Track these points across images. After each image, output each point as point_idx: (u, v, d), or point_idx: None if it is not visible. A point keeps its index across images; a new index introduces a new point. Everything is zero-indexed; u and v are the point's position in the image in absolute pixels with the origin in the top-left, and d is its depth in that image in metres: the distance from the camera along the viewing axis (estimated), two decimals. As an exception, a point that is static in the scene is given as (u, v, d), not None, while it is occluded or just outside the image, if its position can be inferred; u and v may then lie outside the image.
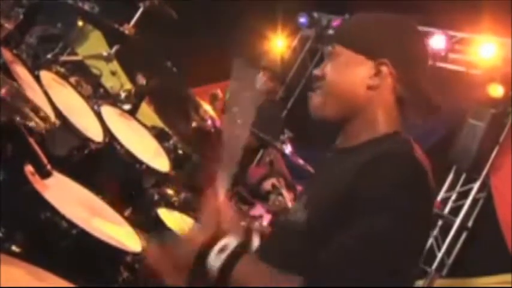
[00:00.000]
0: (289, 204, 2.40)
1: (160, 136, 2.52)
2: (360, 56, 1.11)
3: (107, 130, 2.04)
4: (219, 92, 3.36)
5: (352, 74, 1.10)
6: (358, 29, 1.18)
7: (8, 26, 1.69)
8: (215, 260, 0.96)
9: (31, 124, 1.13)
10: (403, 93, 1.10)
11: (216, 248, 0.97)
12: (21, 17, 1.75)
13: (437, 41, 4.69)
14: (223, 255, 0.96)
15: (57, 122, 1.56)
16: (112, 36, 2.76)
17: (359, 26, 1.19)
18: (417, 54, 1.15)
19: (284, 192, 2.42)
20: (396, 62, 1.09)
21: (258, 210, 2.63)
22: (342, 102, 1.11)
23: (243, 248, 0.98)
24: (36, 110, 1.18)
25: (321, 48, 5.95)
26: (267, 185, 2.76)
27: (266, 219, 2.34)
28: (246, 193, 2.72)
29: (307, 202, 1.12)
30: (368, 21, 1.20)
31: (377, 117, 1.10)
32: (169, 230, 1.89)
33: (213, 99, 3.13)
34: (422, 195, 1.00)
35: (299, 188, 3.27)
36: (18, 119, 1.07)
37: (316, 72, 1.17)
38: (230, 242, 0.98)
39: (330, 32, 1.34)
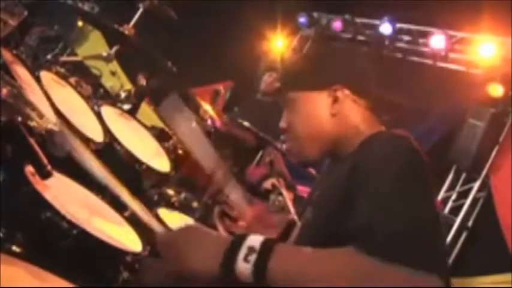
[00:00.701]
0: (289, 204, 2.40)
1: (160, 136, 2.52)
2: (312, 93, 1.18)
3: (107, 130, 2.04)
4: (222, 88, 3.37)
5: (313, 112, 1.18)
6: (297, 69, 1.24)
7: (12, 22, 1.69)
8: (244, 265, 0.89)
9: (32, 124, 1.14)
10: (366, 103, 1.19)
11: (242, 252, 0.91)
12: (26, 13, 1.74)
13: (437, 41, 4.69)
14: (252, 257, 0.89)
15: (58, 123, 1.56)
16: (112, 37, 2.76)
17: (300, 66, 1.25)
18: (357, 67, 1.22)
19: (284, 192, 2.42)
20: (345, 82, 1.17)
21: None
22: (316, 140, 1.18)
23: (269, 243, 0.91)
24: (36, 110, 1.19)
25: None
26: (267, 184, 2.77)
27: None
28: (246, 191, 2.72)
29: (314, 201, 1.20)
30: (302, 59, 1.31)
31: (356, 129, 1.17)
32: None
33: (215, 95, 3.13)
34: (420, 172, 1.00)
35: (299, 188, 3.27)
36: (19, 119, 1.07)
37: (281, 125, 1.24)
38: (254, 242, 0.92)
39: (277, 85, 1.39)
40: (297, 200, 2.65)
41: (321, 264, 0.87)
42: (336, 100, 1.16)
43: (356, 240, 0.88)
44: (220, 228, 2.23)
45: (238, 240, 0.93)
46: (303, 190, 3.39)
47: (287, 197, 2.44)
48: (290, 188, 2.63)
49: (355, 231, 0.90)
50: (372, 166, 0.99)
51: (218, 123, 3.17)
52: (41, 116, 1.17)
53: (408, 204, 0.92)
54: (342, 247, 0.89)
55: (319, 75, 1.19)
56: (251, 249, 0.90)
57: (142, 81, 2.72)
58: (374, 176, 0.95)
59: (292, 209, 2.40)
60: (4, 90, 0.99)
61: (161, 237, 1.10)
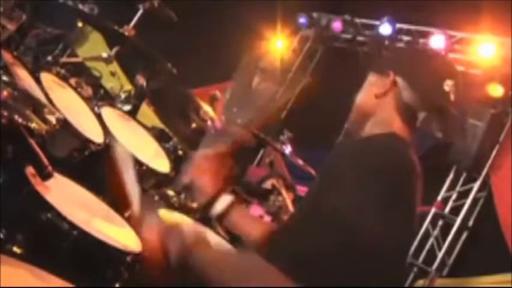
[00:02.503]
0: (289, 204, 2.40)
1: (160, 137, 2.52)
2: (372, 76, 1.31)
3: (107, 131, 2.04)
4: (218, 93, 3.37)
5: (367, 91, 1.31)
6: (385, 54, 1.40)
7: (10, 27, 1.70)
8: (217, 209, 1.30)
9: (32, 126, 1.14)
10: (409, 99, 1.24)
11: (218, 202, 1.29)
12: (24, 18, 1.75)
13: (436, 41, 4.69)
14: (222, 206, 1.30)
15: (58, 124, 1.56)
16: (112, 38, 2.77)
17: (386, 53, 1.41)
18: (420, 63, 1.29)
19: (284, 192, 2.43)
20: (403, 75, 1.25)
21: (255, 210, 2.63)
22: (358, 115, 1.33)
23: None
24: (38, 110, 1.19)
25: (320, 48, 5.97)
26: (267, 185, 2.77)
27: (266, 220, 2.34)
28: (244, 192, 2.73)
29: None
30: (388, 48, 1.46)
31: (378, 119, 1.25)
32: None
33: (212, 100, 3.13)
34: (391, 180, 1.08)
35: (299, 188, 3.28)
36: (19, 120, 1.08)
37: None
38: (227, 197, 1.30)
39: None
40: (297, 200, 2.66)
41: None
42: (389, 84, 1.25)
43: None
44: (218, 229, 2.24)
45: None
46: (303, 190, 3.39)
47: (287, 197, 2.45)
48: (290, 188, 2.64)
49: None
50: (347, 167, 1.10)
51: (218, 124, 3.17)
52: (39, 112, 1.17)
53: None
54: None
55: (383, 62, 1.36)
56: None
57: (142, 82, 2.72)
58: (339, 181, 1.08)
59: (292, 209, 2.41)
60: (5, 92, 1.00)
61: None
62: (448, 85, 1.22)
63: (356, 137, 1.28)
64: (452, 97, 1.23)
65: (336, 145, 1.33)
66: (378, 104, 1.25)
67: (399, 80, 1.24)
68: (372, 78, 1.29)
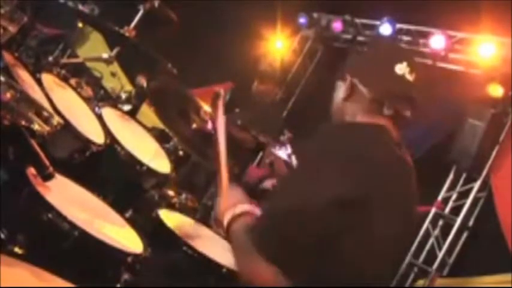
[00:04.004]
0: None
1: (160, 137, 2.53)
2: (339, 81, 1.39)
3: (107, 132, 2.05)
4: (222, 91, 3.37)
5: (335, 96, 1.39)
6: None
7: (12, 29, 1.70)
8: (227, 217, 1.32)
9: (34, 127, 1.15)
10: (369, 94, 1.31)
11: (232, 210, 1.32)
12: (25, 19, 1.76)
13: (437, 41, 4.69)
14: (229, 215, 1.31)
15: (59, 125, 1.56)
16: (112, 38, 2.77)
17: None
18: (368, 59, 1.40)
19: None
20: (354, 73, 1.35)
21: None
22: (334, 117, 1.40)
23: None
24: (39, 112, 1.19)
25: (320, 48, 5.96)
26: (267, 185, 2.77)
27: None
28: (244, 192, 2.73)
29: None
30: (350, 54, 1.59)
31: (353, 116, 1.33)
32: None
33: (215, 98, 3.12)
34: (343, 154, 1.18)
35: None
36: (21, 122, 1.08)
37: None
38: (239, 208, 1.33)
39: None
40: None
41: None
42: (348, 87, 1.33)
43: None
44: (218, 229, 2.24)
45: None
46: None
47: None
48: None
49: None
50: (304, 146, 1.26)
51: (219, 125, 3.16)
52: (41, 113, 1.17)
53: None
54: None
55: (344, 67, 1.39)
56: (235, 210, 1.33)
57: (143, 83, 2.72)
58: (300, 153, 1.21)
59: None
60: (8, 94, 1.00)
61: None
62: (400, 68, 1.29)
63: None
64: (409, 77, 1.30)
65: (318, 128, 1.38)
66: (346, 106, 1.35)
67: (356, 80, 1.32)
68: (338, 84, 1.40)
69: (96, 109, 2.18)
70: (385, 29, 5.00)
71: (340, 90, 1.37)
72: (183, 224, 2.11)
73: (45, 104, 1.69)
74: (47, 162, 1.18)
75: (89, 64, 2.87)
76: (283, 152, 2.84)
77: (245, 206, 1.32)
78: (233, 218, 1.29)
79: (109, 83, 2.95)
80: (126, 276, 1.48)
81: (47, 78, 2.02)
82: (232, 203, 1.34)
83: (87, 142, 1.86)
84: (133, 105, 2.66)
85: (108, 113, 2.24)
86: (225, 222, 1.31)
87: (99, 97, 2.51)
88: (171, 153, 2.42)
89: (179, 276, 1.84)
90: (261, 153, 3.26)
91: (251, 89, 3.59)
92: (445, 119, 4.49)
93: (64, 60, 2.53)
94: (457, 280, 4.15)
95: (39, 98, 1.69)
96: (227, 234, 1.31)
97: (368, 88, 1.30)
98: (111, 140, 2.02)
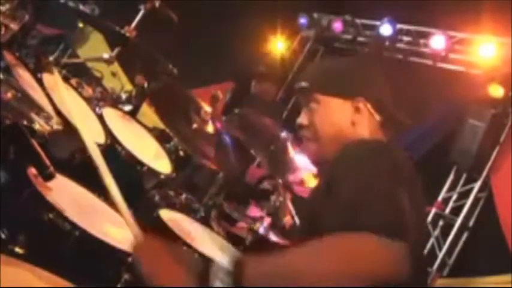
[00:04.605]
0: (290, 205, 2.41)
1: (161, 137, 2.53)
2: (336, 99, 1.28)
3: (108, 132, 2.05)
4: (220, 93, 3.37)
5: (335, 116, 1.28)
6: (329, 75, 1.33)
7: (14, 26, 1.70)
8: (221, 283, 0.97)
9: (35, 127, 1.15)
10: (379, 120, 1.29)
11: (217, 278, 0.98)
12: (27, 17, 1.76)
13: (437, 41, 4.69)
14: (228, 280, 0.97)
15: (60, 125, 1.57)
16: (113, 38, 2.77)
17: (329, 73, 1.34)
18: (381, 85, 1.34)
19: (284, 192, 2.43)
20: (369, 96, 1.28)
21: (253, 211, 2.64)
22: (334, 143, 1.26)
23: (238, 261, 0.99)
24: (40, 112, 1.20)
25: (321, 48, 5.97)
26: (265, 185, 2.77)
27: (266, 222, 2.35)
28: (243, 192, 2.74)
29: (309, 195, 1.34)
30: (335, 66, 1.39)
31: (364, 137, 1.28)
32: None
33: (213, 100, 3.13)
34: (382, 167, 1.09)
35: (299, 188, 3.27)
36: (22, 121, 1.08)
37: (301, 121, 1.32)
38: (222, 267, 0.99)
39: (301, 84, 1.45)
40: (296, 200, 2.66)
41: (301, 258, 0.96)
42: (357, 110, 1.27)
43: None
44: (218, 230, 2.25)
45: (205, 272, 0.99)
46: (303, 190, 3.39)
47: (288, 197, 2.45)
48: (288, 189, 2.64)
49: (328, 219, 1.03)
50: (340, 167, 1.11)
51: (219, 125, 3.17)
52: (47, 117, 1.17)
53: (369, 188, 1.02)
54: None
55: (349, 84, 1.29)
56: (226, 273, 0.98)
57: (143, 83, 2.72)
58: (341, 175, 1.07)
59: (292, 210, 2.41)
60: (9, 94, 1.00)
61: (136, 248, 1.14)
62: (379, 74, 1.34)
63: None
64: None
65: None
66: (354, 131, 1.31)
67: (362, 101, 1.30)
68: (332, 103, 1.32)
69: (97, 109, 2.18)
70: (386, 29, 5.01)
71: (344, 111, 1.28)
72: (183, 224, 2.11)
73: (46, 104, 1.69)
74: (47, 162, 1.18)
75: (89, 64, 2.87)
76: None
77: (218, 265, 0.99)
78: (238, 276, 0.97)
79: (109, 83, 2.95)
80: (126, 276, 1.48)
81: (47, 78, 2.02)
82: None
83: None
84: (134, 105, 2.66)
85: (108, 113, 2.24)
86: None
87: (100, 97, 2.50)
88: (171, 153, 2.42)
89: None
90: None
91: (251, 89, 3.60)
92: (445, 120, 4.49)
93: (65, 60, 2.53)
94: (457, 280, 4.15)
95: (40, 97, 1.69)
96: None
97: (381, 113, 1.29)
98: (112, 140, 2.02)
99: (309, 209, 1.25)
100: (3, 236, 1.24)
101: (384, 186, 1.03)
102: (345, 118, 1.27)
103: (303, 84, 1.33)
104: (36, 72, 1.84)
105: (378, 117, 1.29)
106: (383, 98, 1.32)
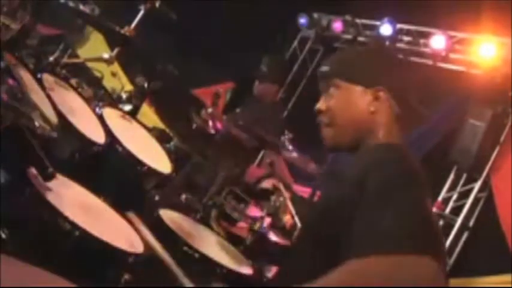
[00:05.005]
0: (290, 205, 2.41)
1: (161, 137, 2.53)
2: (358, 87, 1.28)
3: (108, 132, 2.05)
4: (221, 90, 3.37)
5: (355, 103, 1.27)
6: (352, 62, 1.33)
7: (14, 26, 1.70)
8: None
9: (35, 127, 1.14)
10: (397, 111, 1.28)
11: None
12: (28, 18, 1.76)
13: (437, 41, 4.69)
14: None
15: (60, 125, 1.57)
16: (113, 38, 2.77)
17: (353, 60, 1.34)
18: (404, 75, 1.33)
19: (285, 193, 2.43)
20: (389, 87, 1.27)
21: (253, 210, 2.64)
22: (351, 130, 1.27)
23: None
24: (40, 112, 1.19)
25: (320, 49, 5.96)
26: (266, 184, 2.77)
27: (266, 222, 2.35)
28: (242, 192, 2.74)
29: (317, 202, 1.22)
30: (359, 54, 1.39)
31: (379, 134, 1.27)
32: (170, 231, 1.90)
33: (215, 98, 3.13)
34: (418, 192, 1.09)
35: (299, 188, 3.27)
36: (22, 122, 1.08)
37: (320, 106, 1.31)
38: None
39: (324, 68, 1.46)
40: (296, 199, 2.66)
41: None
42: (377, 99, 1.26)
43: (354, 245, 1.00)
44: (218, 230, 2.24)
45: None
46: (304, 190, 3.39)
47: (288, 197, 2.45)
48: (287, 188, 2.64)
49: (353, 236, 1.02)
50: (377, 185, 1.08)
51: (219, 125, 3.18)
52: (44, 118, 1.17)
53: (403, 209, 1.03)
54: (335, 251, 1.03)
55: (372, 73, 1.29)
56: None
57: (143, 83, 2.73)
58: (378, 196, 1.06)
59: (292, 210, 2.41)
60: (8, 94, 1.00)
61: None
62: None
63: None
64: None
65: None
66: (374, 119, 1.32)
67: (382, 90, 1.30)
68: (352, 90, 1.33)
69: (97, 109, 2.18)
70: (386, 29, 5.00)
71: (364, 99, 1.27)
72: (183, 224, 2.11)
73: (46, 104, 1.69)
74: (47, 163, 1.18)
75: (89, 64, 2.87)
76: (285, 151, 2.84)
77: None
78: None
79: (109, 83, 2.95)
80: (126, 276, 1.48)
81: (48, 78, 2.02)
82: None
83: (88, 142, 1.86)
84: (134, 105, 2.66)
85: (108, 113, 2.24)
86: None
87: (100, 97, 2.50)
88: (171, 153, 2.42)
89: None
90: (261, 153, 3.26)
91: (252, 90, 3.59)
92: (445, 120, 4.49)
93: (65, 60, 2.53)
94: (457, 280, 4.14)
95: (40, 98, 1.69)
96: None
97: (400, 106, 1.27)
98: (112, 140, 2.02)
99: (318, 216, 1.24)
100: (3, 236, 1.24)
101: (420, 209, 1.05)
102: (363, 106, 1.26)
103: (325, 69, 1.32)
104: (36, 73, 1.84)
105: (397, 108, 1.28)
106: (404, 89, 1.31)
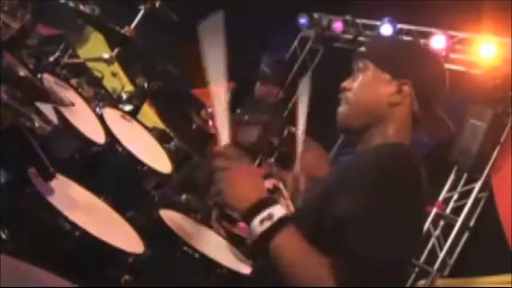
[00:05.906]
0: (291, 206, 2.40)
1: (161, 137, 2.53)
2: (385, 74, 1.25)
3: (108, 132, 2.05)
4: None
5: (376, 89, 1.25)
6: (387, 49, 1.32)
7: (14, 25, 1.70)
8: (258, 226, 1.05)
9: (35, 127, 1.14)
10: (418, 112, 1.25)
11: (261, 214, 1.06)
12: (28, 17, 1.76)
13: (437, 41, 4.69)
14: (267, 224, 1.05)
15: (60, 125, 1.57)
16: (113, 39, 2.77)
17: (389, 47, 1.34)
18: (436, 79, 1.30)
19: (285, 193, 2.43)
20: (416, 84, 1.24)
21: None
22: (365, 114, 1.25)
23: (286, 220, 1.06)
24: (40, 112, 1.19)
25: (321, 49, 5.96)
26: (267, 184, 2.77)
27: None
28: None
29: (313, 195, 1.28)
30: (398, 44, 1.39)
31: (390, 129, 1.24)
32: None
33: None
34: (409, 187, 1.10)
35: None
36: (22, 122, 1.08)
37: (345, 84, 1.30)
38: (275, 212, 1.07)
39: (361, 48, 1.46)
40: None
41: (307, 265, 1.03)
42: (399, 92, 1.23)
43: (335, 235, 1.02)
44: (219, 230, 2.24)
45: (265, 202, 1.08)
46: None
47: (288, 197, 2.45)
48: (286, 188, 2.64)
49: (334, 223, 1.04)
50: (358, 173, 1.10)
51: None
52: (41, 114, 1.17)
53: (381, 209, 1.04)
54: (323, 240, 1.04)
55: (402, 65, 1.26)
56: (269, 216, 1.06)
57: (144, 83, 2.73)
58: (357, 182, 1.07)
59: (292, 209, 2.41)
60: (8, 94, 1.00)
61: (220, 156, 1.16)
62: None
63: (360, 148, 1.30)
64: None
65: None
66: (389, 112, 1.33)
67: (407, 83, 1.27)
68: (377, 75, 1.30)
69: (97, 109, 2.18)
70: (386, 29, 5.00)
71: (386, 88, 1.23)
72: (183, 224, 2.10)
73: (47, 104, 1.69)
74: (47, 163, 1.18)
75: (89, 64, 2.87)
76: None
77: (276, 209, 1.07)
78: (274, 230, 1.04)
79: (110, 83, 2.95)
80: (126, 276, 1.48)
81: (48, 78, 2.02)
82: (254, 197, 1.08)
83: (88, 142, 1.86)
84: (134, 105, 2.66)
85: (109, 113, 2.24)
86: (257, 232, 1.04)
87: (100, 97, 2.50)
88: (172, 153, 2.42)
89: (179, 276, 1.83)
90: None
91: (252, 90, 3.59)
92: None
93: (65, 60, 2.53)
94: (458, 280, 4.14)
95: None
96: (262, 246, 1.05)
97: (423, 107, 1.24)
98: (112, 140, 2.02)
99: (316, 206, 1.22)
100: (3, 236, 1.24)
101: (405, 220, 1.07)
102: (384, 95, 1.23)
103: (362, 49, 1.31)
104: (36, 73, 1.84)
105: (418, 108, 1.24)
106: (432, 94, 1.28)
